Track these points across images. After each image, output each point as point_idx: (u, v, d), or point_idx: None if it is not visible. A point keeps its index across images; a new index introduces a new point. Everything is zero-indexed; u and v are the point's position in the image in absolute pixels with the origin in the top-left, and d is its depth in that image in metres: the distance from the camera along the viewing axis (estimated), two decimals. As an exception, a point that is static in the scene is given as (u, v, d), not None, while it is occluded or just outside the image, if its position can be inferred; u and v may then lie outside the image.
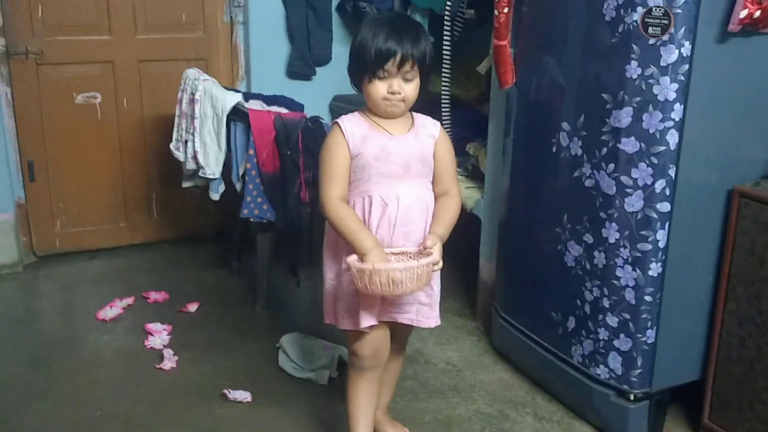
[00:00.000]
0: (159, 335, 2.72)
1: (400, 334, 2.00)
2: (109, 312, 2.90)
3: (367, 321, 1.81)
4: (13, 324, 2.84)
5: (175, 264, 3.45)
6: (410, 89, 1.75)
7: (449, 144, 1.88)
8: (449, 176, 1.87)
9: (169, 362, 2.54)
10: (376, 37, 1.70)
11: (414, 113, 1.86)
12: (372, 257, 1.68)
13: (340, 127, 1.78)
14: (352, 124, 1.79)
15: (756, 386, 1.96)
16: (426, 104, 1.82)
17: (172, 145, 3.08)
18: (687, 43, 1.83)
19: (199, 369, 2.53)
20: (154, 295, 3.06)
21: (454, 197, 1.86)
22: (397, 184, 1.78)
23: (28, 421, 2.21)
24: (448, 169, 1.87)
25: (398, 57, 1.70)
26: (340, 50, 3.74)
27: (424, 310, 1.88)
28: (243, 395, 2.34)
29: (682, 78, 1.85)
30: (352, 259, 1.70)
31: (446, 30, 2.88)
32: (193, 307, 2.97)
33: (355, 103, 3.62)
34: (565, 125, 2.13)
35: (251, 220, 2.81)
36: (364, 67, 1.73)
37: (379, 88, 1.73)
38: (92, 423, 2.21)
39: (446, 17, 2.85)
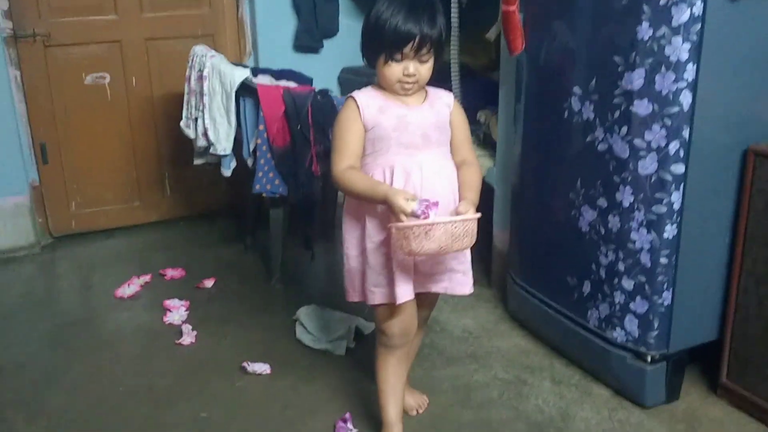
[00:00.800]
0: (177, 311, 2.74)
1: (427, 306, 2.00)
2: (127, 290, 2.93)
3: (404, 296, 1.79)
4: (32, 305, 2.88)
5: (191, 241, 3.47)
6: (425, 71, 1.74)
7: (463, 114, 1.88)
8: (466, 144, 1.87)
9: (188, 337, 2.57)
10: (394, 18, 1.67)
11: (427, 87, 1.84)
12: (398, 200, 1.63)
13: (354, 101, 1.77)
14: (366, 96, 1.78)
15: (773, 345, 1.97)
16: (435, 73, 1.81)
17: (182, 123, 3.08)
18: (699, 2, 1.80)
19: (218, 343, 2.55)
20: (171, 272, 3.08)
21: (474, 165, 1.86)
22: (418, 154, 1.77)
23: (52, 399, 2.25)
24: (464, 138, 1.87)
25: (416, 41, 1.68)
26: (347, 22, 3.72)
27: (458, 278, 1.86)
28: (262, 368, 2.37)
29: (695, 38, 1.83)
30: (401, 223, 1.63)
31: (454, -3, 2.84)
32: (209, 283, 3.00)
33: (364, 74, 3.60)
34: (576, 89, 2.12)
35: (263, 195, 2.82)
36: (380, 47, 1.71)
37: (394, 71, 1.72)
38: (115, 399, 2.25)
39: (453, -16, 2.81)
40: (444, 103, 1.84)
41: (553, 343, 2.45)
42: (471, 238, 1.67)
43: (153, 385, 2.31)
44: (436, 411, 2.16)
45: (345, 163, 1.76)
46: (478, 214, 1.69)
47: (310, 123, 2.71)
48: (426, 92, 1.83)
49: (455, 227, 1.63)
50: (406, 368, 2.00)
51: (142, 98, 3.50)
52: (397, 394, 1.95)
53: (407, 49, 1.69)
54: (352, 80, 3.68)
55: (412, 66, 1.72)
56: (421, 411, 2.15)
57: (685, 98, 1.88)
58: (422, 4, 1.71)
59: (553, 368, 2.36)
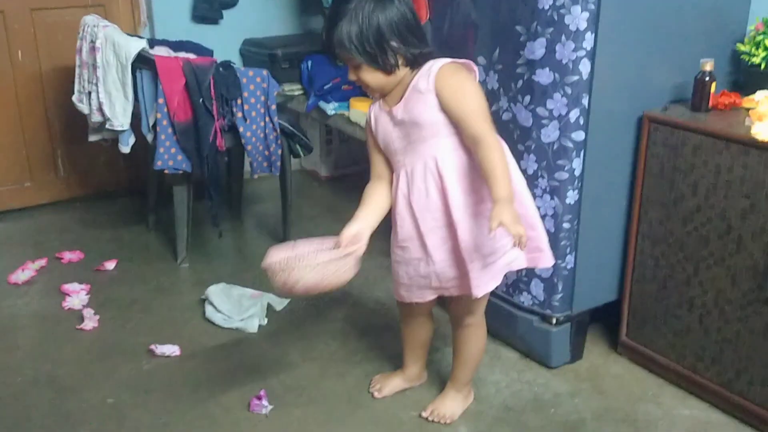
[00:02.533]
0: (77, 295, 2.63)
1: (454, 307, 1.96)
2: (21, 275, 2.78)
3: (404, 297, 1.92)
4: None
5: (88, 222, 3.32)
6: (364, 77, 1.67)
7: (456, 85, 1.65)
8: (468, 119, 1.63)
9: (90, 322, 2.46)
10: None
11: (421, 67, 1.69)
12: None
13: (369, 114, 1.81)
14: (374, 108, 1.79)
15: (669, 303, 2.08)
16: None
17: (74, 98, 2.93)
18: (596, -28, 1.85)
19: (123, 327, 2.47)
20: (68, 255, 2.94)
21: (484, 142, 1.60)
22: (404, 158, 1.75)
23: (-56, 394, 2.12)
24: (461, 112, 1.64)
25: (331, 52, 1.66)
26: (247, -9, 3.62)
27: (464, 280, 1.77)
28: (171, 349, 2.30)
29: (593, 6, 1.87)
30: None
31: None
32: (110, 265, 2.88)
33: (266, 46, 3.53)
34: (480, 59, 2.14)
35: (166, 171, 2.72)
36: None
37: (352, 77, 1.71)
38: (15, 389, 2.14)
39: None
40: (420, 90, 1.67)
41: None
42: (343, 273, 1.71)
43: (55, 374, 2.21)
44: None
45: (372, 172, 1.85)
46: (354, 249, 1.72)
47: (213, 96, 2.63)
48: (407, 87, 1.69)
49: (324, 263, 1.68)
50: (421, 333, 2.08)
51: (28, 72, 3.29)
52: (409, 343, 2.10)
53: (338, 60, 1.68)
54: (253, 52, 3.59)
55: (349, 75, 1.69)
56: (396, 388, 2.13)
57: (585, 67, 1.93)
58: (335, 10, 1.64)
59: (463, 335, 2.41)
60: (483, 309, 1.93)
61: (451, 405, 2.02)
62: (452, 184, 1.70)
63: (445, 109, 1.66)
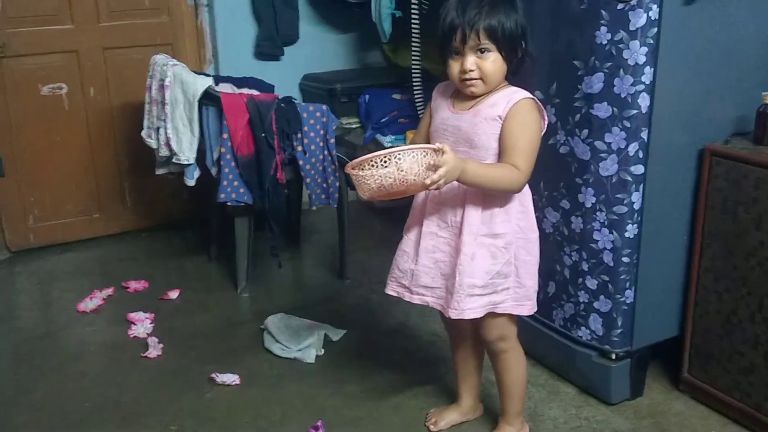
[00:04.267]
0: (142, 324, 2.71)
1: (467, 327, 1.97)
2: (90, 304, 2.88)
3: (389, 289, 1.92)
4: (-8, 321, 2.82)
5: (153, 252, 3.43)
6: (487, 65, 1.65)
7: (524, 121, 1.67)
8: (514, 151, 1.67)
9: (155, 350, 2.53)
10: (445, 10, 1.66)
11: (507, 87, 1.72)
12: None
13: (436, 91, 1.83)
14: (441, 87, 1.81)
15: (733, 339, 2.02)
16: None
17: (143, 133, 3.05)
18: (655, 7, 1.85)
19: (185, 355, 2.53)
20: (134, 285, 3.04)
21: (513, 168, 1.66)
22: None
23: (18, 416, 2.20)
24: (511, 145, 1.67)
25: (459, 32, 1.63)
26: (307, 29, 3.73)
27: (447, 297, 1.80)
28: (231, 378, 2.35)
29: (651, 41, 1.88)
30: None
31: (414, 4, 2.88)
32: (174, 294, 2.96)
33: (326, 81, 3.62)
34: (537, 94, 2.15)
35: (228, 204, 2.80)
36: (441, 45, 1.69)
37: (452, 68, 1.69)
38: (82, 415, 2.21)
39: (414, -9, 2.85)
40: (494, 115, 1.68)
41: (521, 344, 2.47)
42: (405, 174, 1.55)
43: (120, 400, 2.28)
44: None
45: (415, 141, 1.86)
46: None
47: (275, 130, 2.71)
48: (485, 97, 1.71)
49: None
50: (469, 360, 2.07)
51: (100, 108, 3.45)
52: (461, 376, 2.09)
53: (455, 42, 1.64)
54: (313, 87, 3.69)
55: (468, 61, 1.65)
56: (457, 421, 2.12)
57: (644, 101, 1.93)
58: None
59: (520, 369, 2.39)
60: (514, 333, 1.91)
61: None
62: (474, 205, 1.74)
63: (502, 135, 1.69)
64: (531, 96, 1.72)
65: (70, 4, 3.28)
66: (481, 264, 1.75)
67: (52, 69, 3.31)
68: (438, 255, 1.81)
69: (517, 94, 1.70)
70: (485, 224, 1.75)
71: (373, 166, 1.60)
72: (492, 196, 1.74)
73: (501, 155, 1.70)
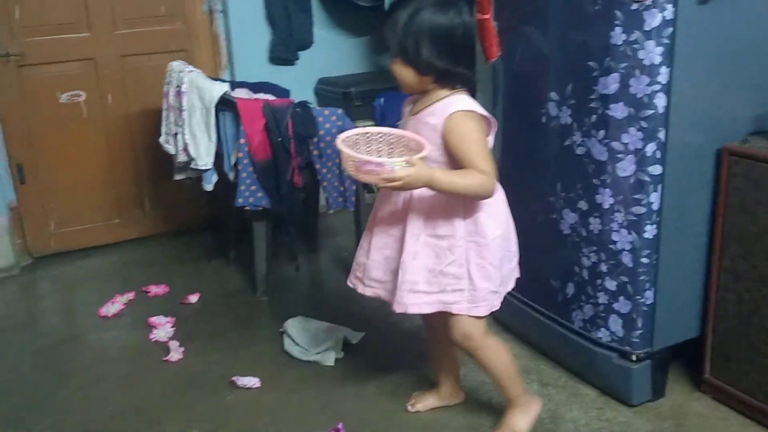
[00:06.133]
0: (163, 328, 2.73)
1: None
2: (111, 308, 2.92)
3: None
4: (15, 327, 2.85)
5: (173, 257, 3.46)
6: (396, 68, 1.77)
7: (461, 132, 1.73)
8: (469, 162, 1.73)
9: (176, 354, 2.56)
10: None
11: (450, 95, 1.76)
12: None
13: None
14: (411, 97, 1.88)
15: (754, 340, 2.01)
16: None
17: (161, 139, 3.08)
18: (670, 6, 1.84)
19: (206, 359, 2.55)
20: (155, 289, 3.07)
21: (477, 173, 1.72)
22: None
23: (40, 422, 2.23)
24: (462, 158, 1.73)
25: (382, 35, 1.78)
26: (321, 33, 3.74)
27: (394, 292, 1.88)
28: (251, 381, 2.37)
29: (667, 41, 1.87)
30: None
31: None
32: (194, 299, 2.99)
33: (341, 85, 3.63)
34: (553, 95, 2.15)
35: (246, 208, 2.82)
36: None
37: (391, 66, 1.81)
38: (104, 419, 2.24)
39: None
40: (432, 123, 1.75)
41: (540, 345, 2.48)
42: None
43: (142, 404, 2.30)
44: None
45: None
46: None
47: (291, 135, 2.72)
48: (429, 105, 1.78)
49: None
50: (442, 350, 2.13)
51: (118, 115, 3.48)
52: (435, 362, 2.19)
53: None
54: (328, 91, 3.70)
55: (391, 63, 1.78)
56: (434, 406, 2.19)
57: (660, 101, 1.92)
58: (394, 8, 1.75)
59: (540, 371, 2.39)
60: (479, 331, 1.91)
61: (512, 421, 2.03)
62: (419, 207, 1.82)
63: (451, 150, 1.75)
64: (463, 108, 1.74)
65: (87, 13, 3.31)
66: (425, 262, 1.83)
67: (70, 77, 3.35)
68: (387, 251, 1.91)
69: (451, 106, 1.74)
70: (429, 226, 1.82)
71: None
72: (436, 200, 1.80)
73: (461, 168, 1.75)
